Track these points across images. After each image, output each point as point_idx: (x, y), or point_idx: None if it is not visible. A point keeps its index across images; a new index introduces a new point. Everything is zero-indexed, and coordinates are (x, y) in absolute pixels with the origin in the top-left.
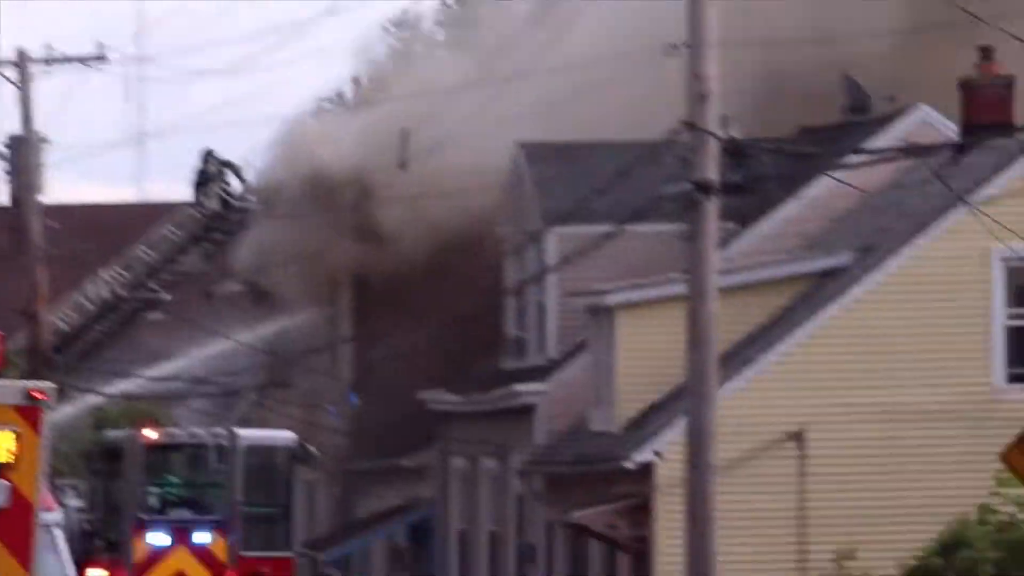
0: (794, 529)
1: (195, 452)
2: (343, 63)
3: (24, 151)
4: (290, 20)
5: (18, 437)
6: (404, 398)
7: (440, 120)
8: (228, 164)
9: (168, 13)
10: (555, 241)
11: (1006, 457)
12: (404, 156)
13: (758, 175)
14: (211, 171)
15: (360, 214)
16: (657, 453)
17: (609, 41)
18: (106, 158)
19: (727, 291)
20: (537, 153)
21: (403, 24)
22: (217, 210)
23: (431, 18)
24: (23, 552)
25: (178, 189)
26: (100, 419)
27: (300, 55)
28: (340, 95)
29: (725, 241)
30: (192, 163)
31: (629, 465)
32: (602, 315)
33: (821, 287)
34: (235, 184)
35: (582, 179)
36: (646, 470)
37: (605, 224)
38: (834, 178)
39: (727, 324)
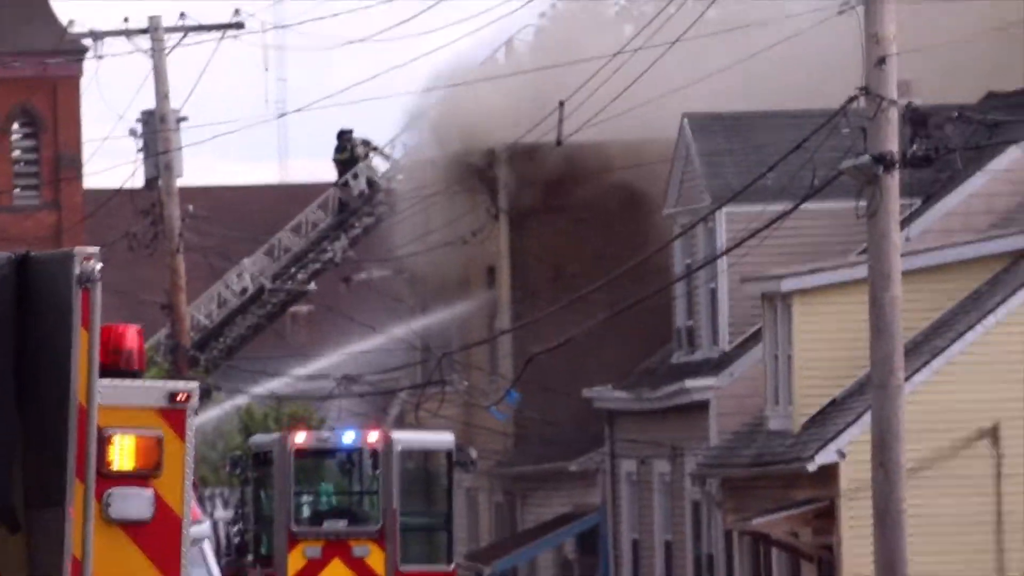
0: (991, 535)
1: (348, 457)
2: (495, 29)
3: (158, 129)
4: None
5: (161, 442)
6: (569, 396)
7: (599, 90)
8: (369, 143)
9: None
10: (725, 222)
11: None
12: (560, 131)
13: (942, 146)
14: (356, 151)
15: (512, 193)
16: (840, 453)
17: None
18: (244, 136)
19: (911, 274)
20: (704, 126)
21: None
22: (364, 191)
23: None
24: (171, 568)
25: (322, 168)
26: (247, 422)
27: (449, 21)
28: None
29: (908, 219)
30: (333, 141)
31: (810, 467)
32: (777, 302)
33: (1014, 268)
34: (381, 164)
35: (753, 153)
36: (829, 472)
37: (779, 203)
38: None
39: (912, 311)
